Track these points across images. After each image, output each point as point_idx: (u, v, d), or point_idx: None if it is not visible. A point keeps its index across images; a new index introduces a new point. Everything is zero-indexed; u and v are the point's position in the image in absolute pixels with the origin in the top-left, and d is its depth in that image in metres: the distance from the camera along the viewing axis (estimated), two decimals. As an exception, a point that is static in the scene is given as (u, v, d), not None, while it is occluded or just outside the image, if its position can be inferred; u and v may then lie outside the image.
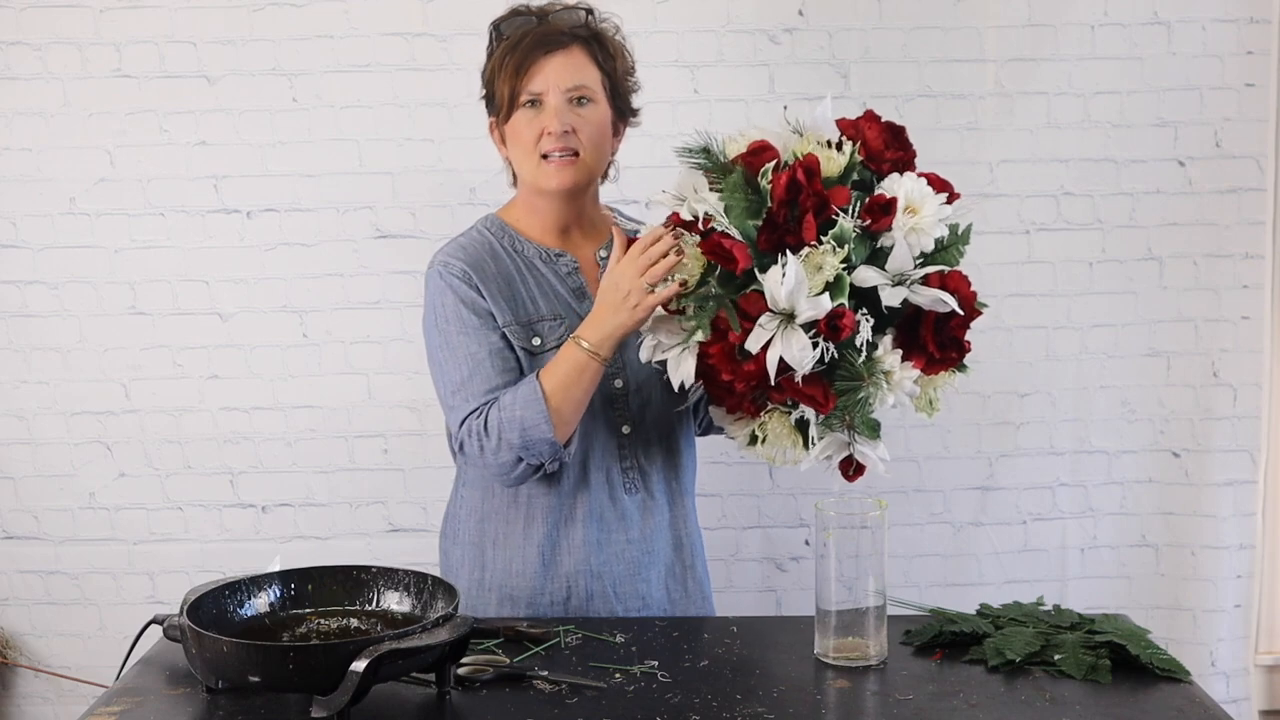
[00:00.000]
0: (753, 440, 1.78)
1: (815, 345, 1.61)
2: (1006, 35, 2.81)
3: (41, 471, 2.91)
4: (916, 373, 1.68)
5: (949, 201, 1.70)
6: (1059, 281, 2.86)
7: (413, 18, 2.79)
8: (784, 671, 1.69)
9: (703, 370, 1.71)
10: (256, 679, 1.49)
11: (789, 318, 1.62)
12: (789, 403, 1.70)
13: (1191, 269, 2.87)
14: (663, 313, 1.75)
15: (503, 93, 1.91)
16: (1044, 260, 2.85)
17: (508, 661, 1.70)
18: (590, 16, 1.93)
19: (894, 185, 1.67)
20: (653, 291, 1.72)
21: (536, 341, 1.91)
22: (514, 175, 2.00)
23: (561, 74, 1.88)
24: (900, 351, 1.67)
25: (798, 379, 1.64)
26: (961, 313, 1.66)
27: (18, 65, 2.80)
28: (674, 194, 1.75)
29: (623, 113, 1.98)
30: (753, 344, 1.63)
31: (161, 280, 2.86)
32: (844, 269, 1.62)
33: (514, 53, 1.89)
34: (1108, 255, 2.85)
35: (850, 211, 1.64)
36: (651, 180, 2.06)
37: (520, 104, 1.89)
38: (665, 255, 1.71)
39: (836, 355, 1.63)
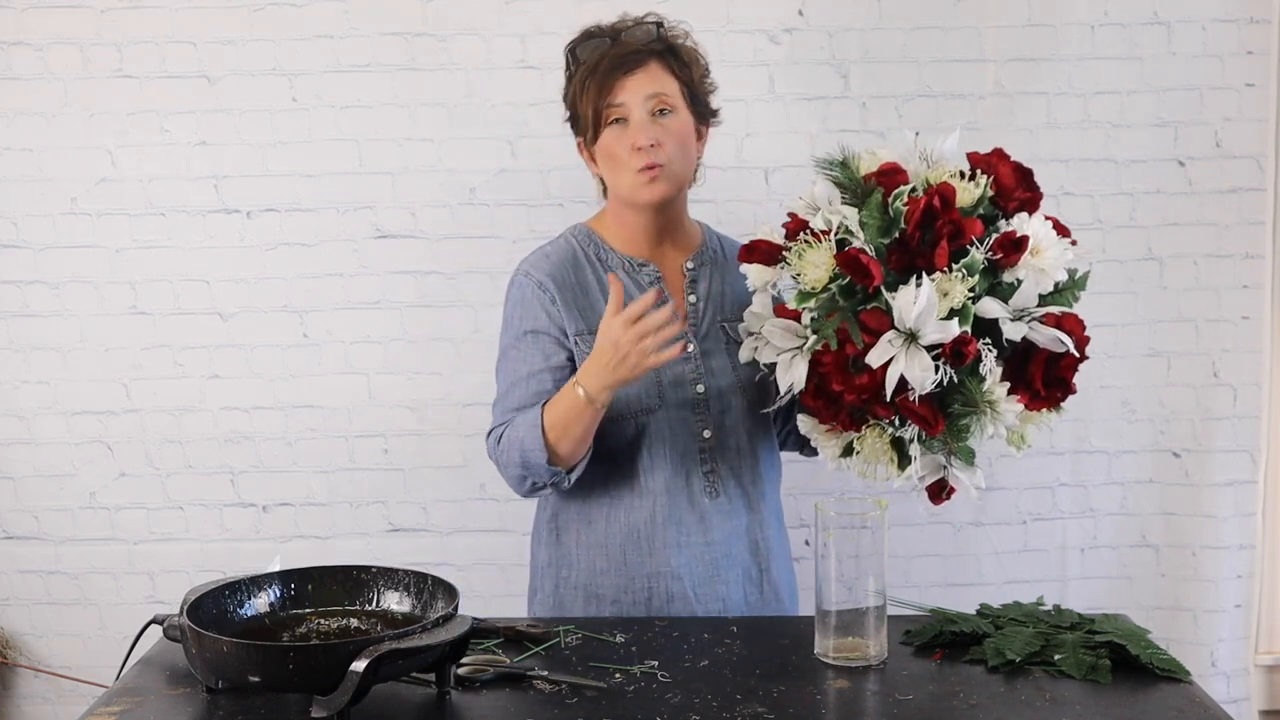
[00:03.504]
0: (846, 452, 1.79)
1: (936, 368, 1.64)
2: (1006, 35, 2.80)
3: (42, 471, 2.91)
4: (1020, 407, 1.71)
5: (1038, 205, 1.74)
6: (1059, 281, 2.86)
7: (413, 18, 2.79)
8: (784, 671, 1.69)
9: (813, 377, 1.73)
10: (256, 679, 1.49)
11: (912, 337, 1.64)
12: (891, 420, 1.72)
13: (1191, 269, 2.87)
14: (775, 316, 1.77)
15: (587, 114, 1.95)
16: (1044, 260, 2.85)
17: (508, 661, 1.71)
18: (661, 30, 1.97)
19: (1024, 225, 1.70)
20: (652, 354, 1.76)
21: None
22: (603, 188, 2.03)
23: (642, 90, 1.92)
24: (1008, 384, 1.69)
25: (913, 398, 1.66)
26: (1076, 354, 1.70)
27: (19, 65, 2.80)
28: (809, 202, 1.78)
29: (704, 117, 2.02)
30: (874, 359, 1.65)
31: (162, 280, 2.86)
32: (970, 298, 1.65)
33: (594, 75, 1.93)
34: (1108, 255, 2.85)
35: (983, 244, 1.67)
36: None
37: (606, 122, 1.93)
38: (661, 327, 1.75)
39: (955, 380, 1.66)
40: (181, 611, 1.60)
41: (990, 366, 1.66)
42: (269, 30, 2.78)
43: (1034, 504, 2.93)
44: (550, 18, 2.76)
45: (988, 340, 1.66)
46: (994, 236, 1.68)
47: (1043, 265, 1.69)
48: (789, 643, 1.78)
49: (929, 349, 1.64)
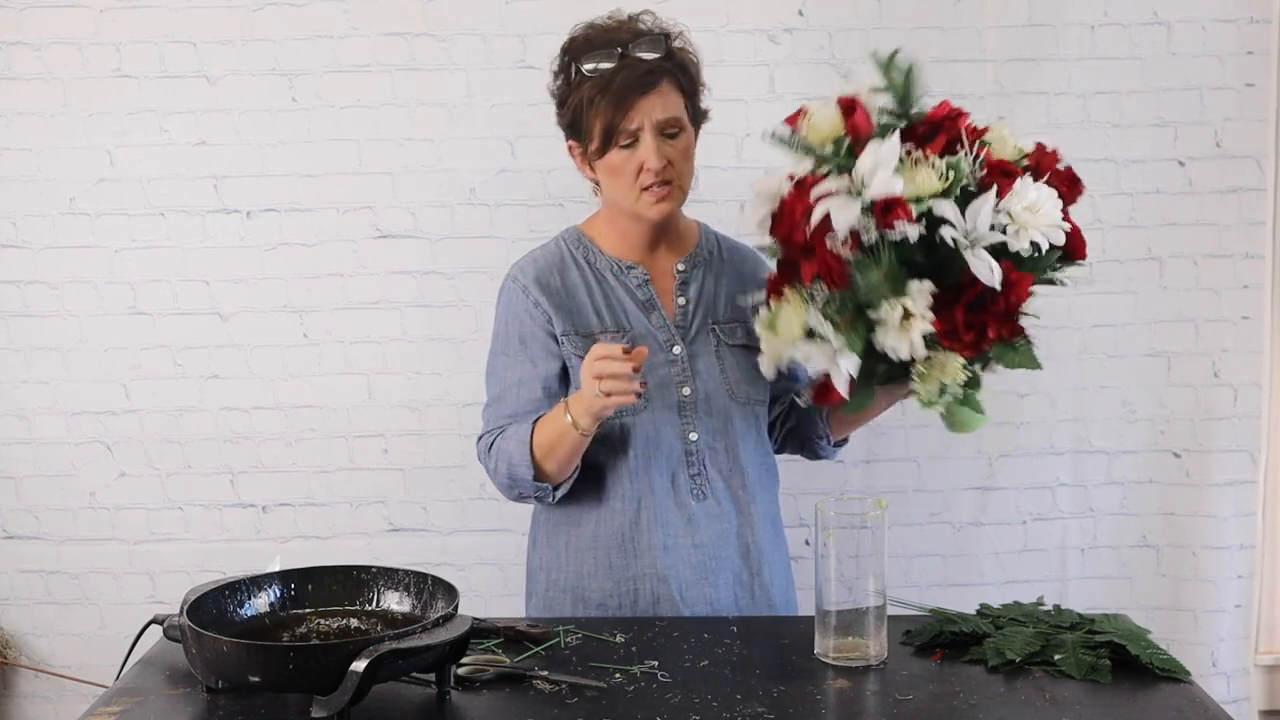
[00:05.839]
0: (769, 325, 1.80)
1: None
2: (1006, 35, 2.80)
3: (42, 471, 2.91)
4: (929, 326, 1.67)
5: (1067, 206, 1.74)
6: (1059, 281, 2.86)
7: (413, 18, 2.79)
8: (784, 671, 1.69)
9: (776, 216, 1.78)
10: (256, 679, 1.49)
11: (859, 193, 1.66)
12: (818, 277, 1.71)
13: (1191, 269, 2.86)
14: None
15: (594, 129, 1.92)
16: (1044, 260, 2.85)
17: (508, 661, 1.71)
18: (668, 42, 1.94)
19: (1026, 187, 1.69)
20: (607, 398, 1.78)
21: None
22: (595, 189, 2.03)
23: (655, 112, 1.91)
24: (930, 301, 1.67)
25: (830, 244, 1.67)
26: (999, 292, 1.66)
27: (18, 65, 2.80)
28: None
29: (699, 123, 2.01)
30: (818, 190, 1.69)
31: (162, 280, 2.86)
32: (939, 193, 1.66)
33: (606, 93, 1.90)
34: (1108, 255, 2.84)
35: (975, 160, 1.69)
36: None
37: (618, 143, 1.92)
38: (618, 375, 1.76)
39: (875, 244, 1.66)
40: (181, 611, 1.60)
41: (906, 235, 1.64)
42: (269, 30, 2.78)
43: (1034, 504, 2.93)
44: (550, 18, 2.75)
45: (921, 224, 1.65)
46: (985, 149, 1.71)
47: (1021, 219, 1.67)
48: (789, 643, 1.79)
49: (865, 209, 1.65)
